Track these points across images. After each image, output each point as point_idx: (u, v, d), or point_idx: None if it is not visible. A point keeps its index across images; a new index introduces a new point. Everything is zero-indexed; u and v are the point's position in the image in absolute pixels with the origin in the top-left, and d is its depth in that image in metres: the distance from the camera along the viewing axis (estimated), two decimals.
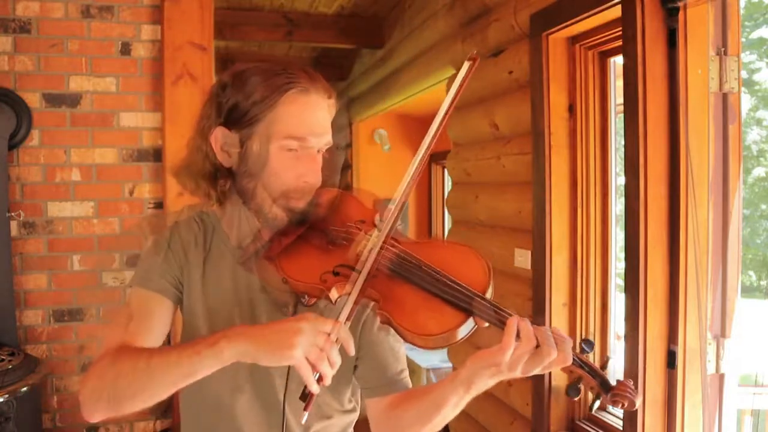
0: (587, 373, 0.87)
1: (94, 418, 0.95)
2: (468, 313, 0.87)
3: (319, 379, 0.85)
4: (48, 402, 2.53)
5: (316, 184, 1.02)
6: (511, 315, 0.86)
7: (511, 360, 0.85)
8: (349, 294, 0.90)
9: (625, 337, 1.68)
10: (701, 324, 1.59)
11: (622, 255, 1.80)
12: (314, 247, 0.97)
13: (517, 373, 0.86)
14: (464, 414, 2.81)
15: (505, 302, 0.89)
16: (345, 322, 0.88)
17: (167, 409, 2.64)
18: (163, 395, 0.92)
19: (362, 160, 5.34)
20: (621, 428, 1.84)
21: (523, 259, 2.24)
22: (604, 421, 2.02)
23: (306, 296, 0.98)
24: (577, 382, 0.87)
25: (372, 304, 0.95)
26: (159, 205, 2.62)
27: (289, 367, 1.03)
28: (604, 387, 0.86)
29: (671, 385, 1.62)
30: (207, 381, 0.93)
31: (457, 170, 2.82)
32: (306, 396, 0.86)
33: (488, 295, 0.89)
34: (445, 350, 3.29)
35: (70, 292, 2.56)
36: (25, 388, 2.07)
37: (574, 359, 0.86)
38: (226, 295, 1.08)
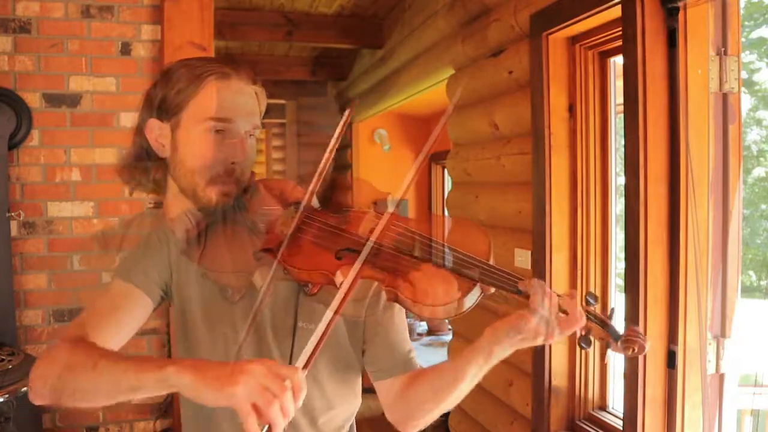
0: (597, 323, 0.88)
1: (38, 402, 0.93)
2: (473, 279, 0.87)
3: (268, 430, 0.75)
4: None
5: (245, 165, 1.06)
6: (521, 278, 0.86)
7: (536, 323, 0.86)
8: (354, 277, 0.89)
9: None
10: (701, 324, 1.59)
11: (622, 255, 1.80)
12: (313, 234, 0.97)
13: (540, 339, 0.87)
14: (464, 414, 2.81)
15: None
16: (341, 306, 0.85)
17: (167, 409, 2.64)
18: (103, 401, 0.88)
19: (362, 160, 5.34)
20: (621, 428, 1.84)
21: (523, 259, 2.24)
22: (604, 421, 2.02)
23: (309, 284, 0.98)
24: (587, 333, 0.88)
25: (376, 283, 0.95)
26: (158, 204, 2.62)
27: (291, 352, 1.04)
28: (613, 335, 0.88)
29: (671, 385, 1.62)
30: None
31: (457, 170, 2.81)
32: None
33: (491, 262, 0.89)
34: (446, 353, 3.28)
35: (69, 292, 2.57)
36: (25, 388, 2.07)
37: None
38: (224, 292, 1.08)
